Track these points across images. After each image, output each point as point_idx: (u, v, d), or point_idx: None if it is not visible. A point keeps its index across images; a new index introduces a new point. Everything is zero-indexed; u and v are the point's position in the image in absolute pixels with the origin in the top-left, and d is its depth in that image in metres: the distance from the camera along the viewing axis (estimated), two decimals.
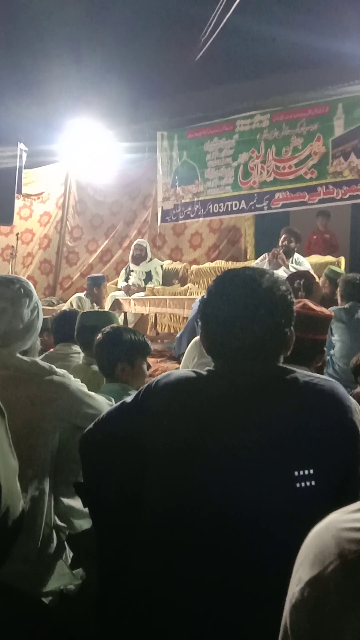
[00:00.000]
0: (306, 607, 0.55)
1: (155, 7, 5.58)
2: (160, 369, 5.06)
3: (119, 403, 1.45)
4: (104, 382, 2.41)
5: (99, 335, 2.28)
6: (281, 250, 5.83)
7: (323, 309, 2.08)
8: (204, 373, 1.31)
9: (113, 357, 2.23)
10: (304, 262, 6.01)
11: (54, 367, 1.74)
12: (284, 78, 6.08)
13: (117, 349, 2.22)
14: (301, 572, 0.58)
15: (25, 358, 1.72)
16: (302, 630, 0.56)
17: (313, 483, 1.13)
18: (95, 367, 2.52)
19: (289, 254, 5.88)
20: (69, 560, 1.77)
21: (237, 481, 1.15)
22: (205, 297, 1.32)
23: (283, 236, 5.95)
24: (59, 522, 1.77)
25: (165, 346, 6.08)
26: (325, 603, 0.54)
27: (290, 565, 0.63)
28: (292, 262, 5.87)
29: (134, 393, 1.48)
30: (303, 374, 1.25)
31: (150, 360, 2.45)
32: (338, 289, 4.40)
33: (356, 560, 0.53)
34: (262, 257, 6.16)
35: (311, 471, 1.13)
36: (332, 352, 4.06)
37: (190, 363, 3.20)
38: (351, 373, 3.23)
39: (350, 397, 1.29)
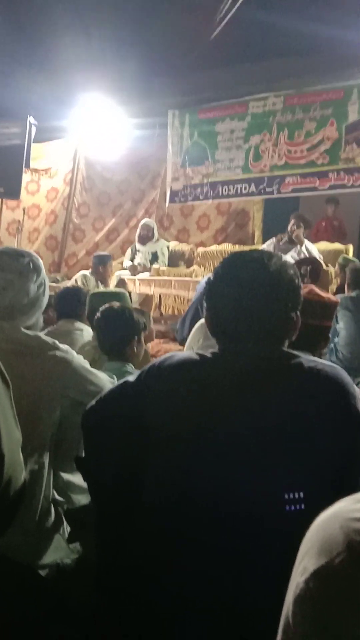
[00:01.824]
0: (311, 598, 0.54)
1: None
2: (163, 350, 5.06)
3: (121, 381, 1.45)
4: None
5: (98, 314, 2.27)
6: (292, 235, 5.78)
7: (329, 295, 2.07)
8: (208, 355, 1.30)
9: (117, 335, 2.22)
10: (313, 249, 5.97)
11: (57, 342, 1.74)
12: (299, 61, 5.97)
13: (121, 328, 2.22)
14: (306, 562, 0.56)
15: (29, 332, 1.71)
16: (306, 622, 0.54)
17: (316, 468, 1.13)
18: None
19: (297, 240, 5.83)
20: (66, 535, 1.78)
21: (239, 465, 1.15)
22: (211, 278, 1.31)
23: (292, 221, 5.89)
24: (57, 497, 1.78)
25: (168, 327, 6.08)
26: (332, 595, 0.52)
27: (293, 553, 0.62)
28: (303, 249, 5.83)
29: (134, 371, 1.48)
30: (308, 359, 1.24)
31: (153, 341, 2.46)
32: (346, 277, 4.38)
33: None
34: (269, 241, 6.12)
35: (314, 456, 1.13)
36: (336, 339, 4.05)
37: (195, 345, 3.19)
38: None
39: (354, 384, 1.29)
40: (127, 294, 3.27)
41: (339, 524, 0.55)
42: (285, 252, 5.59)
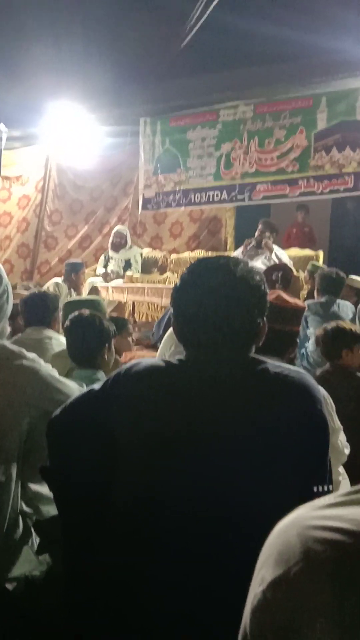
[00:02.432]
0: (268, 609, 0.52)
1: None
2: (137, 357, 5.03)
3: (87, 389, 1.44)
4: None
5: (67, 322, 2.25)
6: (261, 242, 5.86)
7: (297, 301, 2.08)
8: (174, 362, 1.29)
9: (87, 343, 2.20)
10: (283, 255, 6.03)
11: (23, 350, 1.71)
12: (268, 69, 6.04)
13: (91, 335, 2.20)
14: (264, 572, 0.55)
15: None
16: (263, 634, 0.52)
17: (281, 474, 1.13)
18: None
19: (266, 247, 5.90)
20: (35, 547, 1.75)
21: (205, 472, 1.15)
22: (177, 284, 1.31)
23: (260, 227, 6.00)
24: (25, 508, 1.75)
25: (142, 334, 6.05)
26: (289, 606, 0.50)
27: (256, 559, 0.61)
28: (273, 255, 5.89)
29: (103, 378, 1.47)
30: (274, 364, 1.25)
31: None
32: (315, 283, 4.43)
33: (322, 562, 0.50)
34: (240, 248, 6.18)
35: (280, 462, 1.13)
36: (306, 345, 4.09)
37: (167, 351, 3.19)
38: (316, 345, 3.24)
39: (321, 388, 1.30)
40: (102, 301, 3.22)
41: (297, 532, 0.54)
42: (254, 257, 5.64)
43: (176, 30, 5.79)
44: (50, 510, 1.78)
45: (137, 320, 6.81)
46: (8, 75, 6.23)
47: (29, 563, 1.70)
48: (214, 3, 5.37)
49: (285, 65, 5.88)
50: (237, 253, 6.03)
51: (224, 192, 6.71)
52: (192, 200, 7.01)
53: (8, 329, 1.82)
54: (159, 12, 5.81)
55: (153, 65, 6.11)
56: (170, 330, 3.30)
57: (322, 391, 1.29)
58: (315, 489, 1.13)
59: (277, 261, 5.73)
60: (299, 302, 2.10)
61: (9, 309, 1.72)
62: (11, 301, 1.73)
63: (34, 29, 6.00)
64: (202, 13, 5.51)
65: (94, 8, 5.90)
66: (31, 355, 1.72)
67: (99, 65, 6.03)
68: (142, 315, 6.83)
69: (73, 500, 1.36)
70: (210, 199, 6.85)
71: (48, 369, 1.75)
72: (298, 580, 0.51)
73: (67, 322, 2.25)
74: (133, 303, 6.68)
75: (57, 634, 1.46)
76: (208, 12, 5.43)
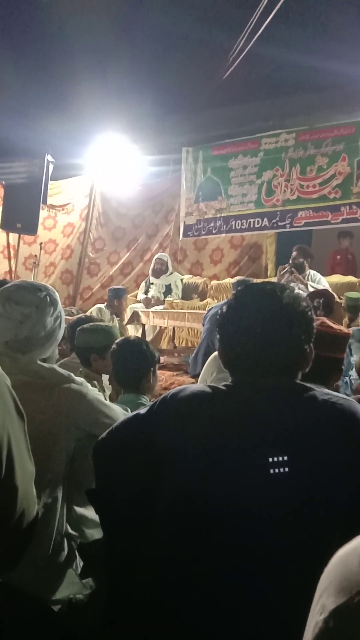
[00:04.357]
0: (331, 639, 0.52)
1: (183, 25, 5.66)
2: (177, 383, 5.05)
3: (133, 413, 1.45)
4: (106, 396, 2.42)
5: (115, 346, 2.29)
6: (288, 267, 5.83)
7: (341, 327, 2.07)
8: (221, 387, 1.30)
9: (133, 367, 2.23)
10: (322, 280, 5.97)
11: (72, 375, 1.75)
12: (310, 98, 6.11)
13: (138, 360, 2.23)
14: (325, 600, 0.54)
15: (44, 365, 1.73)
16: None
17: (331, 501, 1.12)
18: (96, 384, 2.50)
19: (298, 268, 5.85)
20: (79, 570, 1.76)
21: (251, 498, 1.14)
22: (225, 310, 1.33)
23: (294, 253, 5.98)
24: (70, 531, 1.77)
25: (182, 360, 6.08)
26: (353, 636, 0.49)
27: (303, 590, 0.60)
28: (308, 280, 5.84)
29: (147, 403, 1.48)
30: (322, 391, 1.24)
31: (166, 373, 2.45)
32: None
33: None
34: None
35: (329, 489, 1.12)
36: (350, 372, 4.02)
37: (208, 378, 3.19)
38: (356, 372, 3.18)
39: None
40: (114, 328, 3.09)
41: (359, 560, 0.54)
42: (289, 283, 5.61)
43: (218, 61, 5.92)
44: (95, 533, 1.79)
45: (177, 345, 6.85)
46: (56, 109, 6.49)
47: (72, 586, 1.71)
48: (256, 36, 5.47)
49: (327, 94, 5.93)
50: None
51: (265, 219, 6.75)
52: (233, 227, 7.07)
53: (57, 355, 1.87)
54: (202, 43, 5.96)
55: (195, 95, 6.25)
56: (213, 355, 3.31)
57: None
58: None
59: (313, 285, 5.68)
60: (344, 329, 2.08)
61: (60, 333, 1.78)
62: (63, 327, 1.78)
63: (82, 64, 6.24)
64: (244, 45, 5.62)
65: (139, 43, 6.10)
66: (79, 379, 1.76)
67: (143, 97, 6.21)
68: (182, 341, 6.86)
69: (119, 522, 1.37)
70: (252, 226, 6.90)
71: (95, 393, 1.79)
72: None
73: (114, 346, 2.29)
74: (173, 328, 6.73)
75: None
76: (250, 45, 5.54)
